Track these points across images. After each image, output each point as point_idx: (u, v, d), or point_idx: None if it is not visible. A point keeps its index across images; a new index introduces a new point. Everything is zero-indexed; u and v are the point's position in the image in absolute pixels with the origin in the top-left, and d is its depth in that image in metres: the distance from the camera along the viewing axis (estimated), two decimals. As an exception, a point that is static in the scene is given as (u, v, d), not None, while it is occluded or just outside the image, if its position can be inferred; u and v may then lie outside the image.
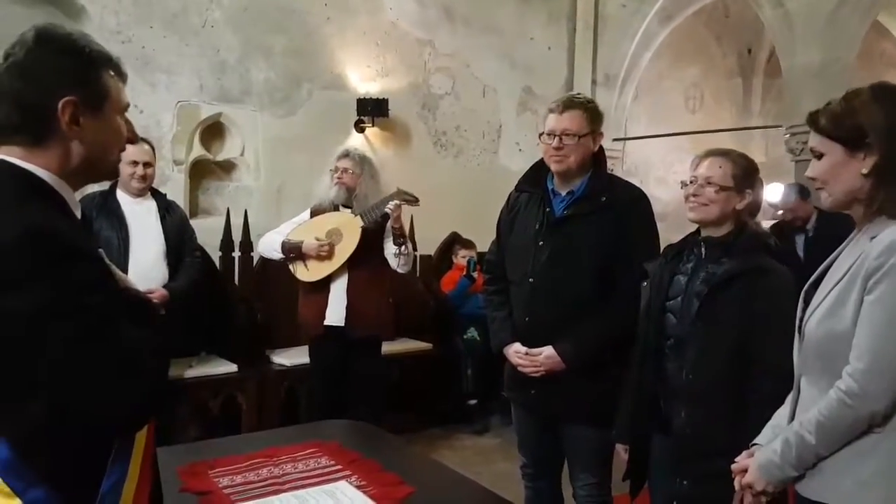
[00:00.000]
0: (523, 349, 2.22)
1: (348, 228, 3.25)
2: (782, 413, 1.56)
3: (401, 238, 3.22)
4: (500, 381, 4.53)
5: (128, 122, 1.15)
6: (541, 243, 2.19)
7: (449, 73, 5.44)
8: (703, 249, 1.95)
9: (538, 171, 2.30)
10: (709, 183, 1.88)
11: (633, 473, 2.07)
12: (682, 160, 7.32)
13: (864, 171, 1.32)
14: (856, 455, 1.31)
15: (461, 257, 4.89)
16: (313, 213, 3.40)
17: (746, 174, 1.92)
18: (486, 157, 5.67)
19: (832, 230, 4.25)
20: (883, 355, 1.26)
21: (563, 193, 2.22)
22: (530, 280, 2.19)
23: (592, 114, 2.19)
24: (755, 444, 1.57)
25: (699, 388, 1.85)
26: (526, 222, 2.26)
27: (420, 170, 5.14)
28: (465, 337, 4.63)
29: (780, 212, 4.48)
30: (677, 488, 1.90)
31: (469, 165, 5.56)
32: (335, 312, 3.24)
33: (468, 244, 4.96)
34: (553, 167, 2.20)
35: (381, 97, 4.89)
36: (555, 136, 2.15)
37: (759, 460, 1.45)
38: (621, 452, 2.12)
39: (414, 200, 3.29)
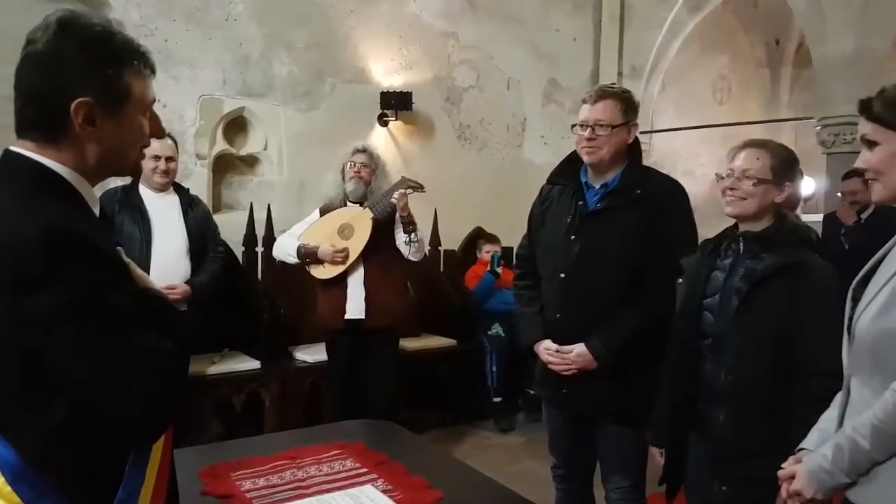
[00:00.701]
0: (554, 346, 2.16)
1: (359, 222, 3.26)
2: (829, 416, 1.49)
3: (410, 226, 3.22)
4: (525, 378, 4.57)
5: (154, 117, 1.09)
6: (573, 237, 2.13)
7: (472, 65, 5.36)
8: (741, 245, 1.87)
9: (571, 164, 2.23)
10: (746, 176, 1.81)
11: (668, 476, 2.00)
12: (710, 152, 7.19)
13: None
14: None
15: (485, 252, 4.81)
16: (323, 212, 3.41)
17: (786, 165, 1.84)
18: (510, 150, 5.58)
19: (886, 223, 4.12)
20: None
21: (597, 186, 2.16)
22: (562, 275, 2.13)
23: (627, 104, 2.12)
24: (802, 449, 1.49)
25: (739, 388, 1.78)
26: (558, 216, 2.20)
27: (444, 164, 5.09)
28: (489, 333, 4.57)
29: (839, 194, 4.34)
30: (715, 492, 1.83)
31: (493, 159, 5.48)
32: (355, 306, 3.25)
33: (493, 239, 4.88)
34: (586, 159, 2.13)
35: (404, 90, 4.83)
36: (587, 126, 2.09)
37: (808, 466, 1.38)
38: (656, 456, 2.05)
39: (419, 187, 3.27)
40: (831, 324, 1.77)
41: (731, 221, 1.92)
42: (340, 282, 3.26)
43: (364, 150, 3.40)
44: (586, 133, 2.08)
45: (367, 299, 3.23)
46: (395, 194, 3.17)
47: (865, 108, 1.33)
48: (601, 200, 2.12)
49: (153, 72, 1.07)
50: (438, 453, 2.20)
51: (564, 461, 2.34)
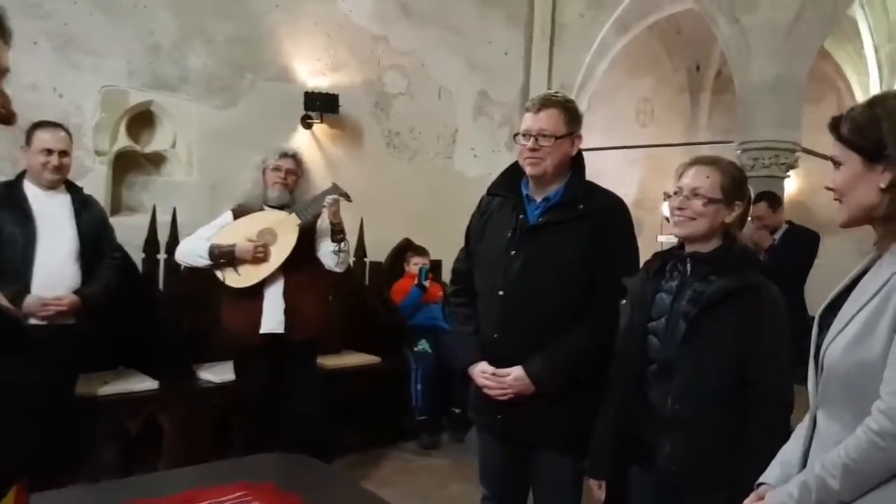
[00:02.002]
0: (490, 369, 2.00)
1: (283, 228, 3.01)
2: (791, 448, 1.38)
3: (339, 234, 3.02)
4: (451, 396, 4.38)
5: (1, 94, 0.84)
6: (513, 253, 1.98)
7: (404, 71, 5.17)
8: (688, 266, 1.76)
9: (512, 175, 2.10)
10: (696, 194, 1.71)
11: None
12: (632, 174, 7.26)
13: (882, 185, 1.19)
14: (878, 501, 1.14)
15: (413, 265, 4.61)
16: (237, 215, 3.13)
17: (736, 184, 1.76)
18: (440, 161, 5.42)
19: (799, 244, 4.19)
20: None
21: (539, 200, 2.03)
22: (500, 293, 1.98)
23: (571, 114, 2.00)
24: (762, 484, 1.38)
25: (686, 417, 1.66)
26: (498, 230, 2.05)
27: (372, 171, 4.86)
28: (415, 350, 4.35)
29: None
30: None
31: (423, 169, 5.29)
32: (272, 319, 2.97)
33: (421, 251, 4.69)
34: (528, 170, 1.99)
35: (331, 92, 4.58)
36: (530, 136, 1.96)
37: (771, 501, 1.27)
38: (595, 488, 1.90)
39: (347, 197, 3.08)
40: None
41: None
42: (255, 292, 2.98)
43: (292, 156, 3.17)
44: (529, 143, 1.96)
45: (287, 311, 2.97)
46: (328, 200, 2.96)
47: (834, 127, 1.28)
48: (543, 214, 2.00)
49: (6, 37, 0.84)
50: (360, 493, 1.95)
51: (496, 492, 2.18)
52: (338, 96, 4.58)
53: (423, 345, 4.35)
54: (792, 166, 5.01)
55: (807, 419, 1.41)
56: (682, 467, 1.66)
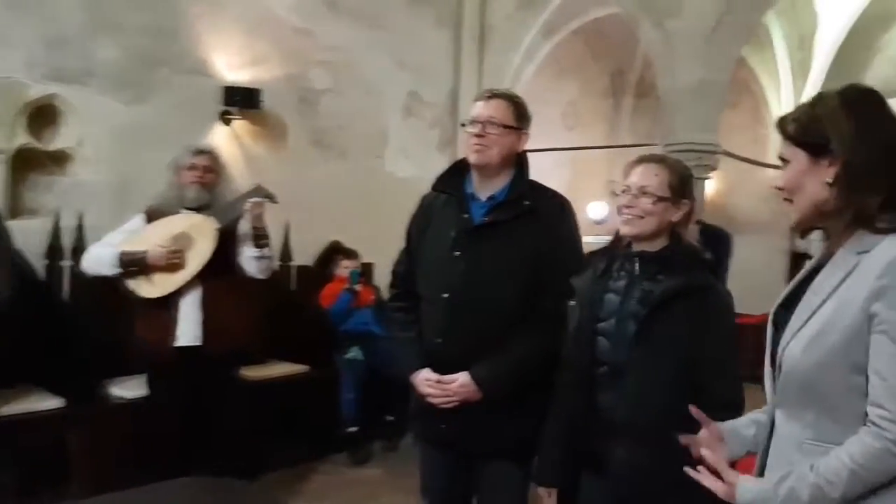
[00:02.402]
0: (434, 376, 1.90)
1: (200, 232, 2.81)
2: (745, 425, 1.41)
3: (263, 239, 2.84)
4: (384, 404, 4.24)
5: None
6: (457, 254, 1.90)
7: (330, 67, 4.99)
8: (636, 265, 1.72)
9: (457, 172, 2.02)
10: (644, 193, 1.68)
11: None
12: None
13: (828, 179, 1.20)
14: None
15: (343, 268, 4.45)
16: (150, 218, 2.91)
17: (683, 182, 1.74)
18: (370, 161, 5.26)
19: (714, 243, 4.29)
20: None
21: (484, 199, 1.95)
22: (445, 296, 1.90)
23: (520, 109, 1.97)
24: None
25: (640, 421, 1.62)
26: (441, 229, 1.97)
27: (297, 170, 4.66)
28: (346, 357, 4.19)
29: None
30: None
31: (352, 169, 5.12)
32: (188, 330, 2.77)
33: (351, 254, 4.54)
34: (473, 158, 1.92)
35: (252, 87, 4.35)
36: (478, 122, 1.90)
37: (744, 498, 1.22)
38: (544, 497, 1.83)
39: (273, 198, 2.90)
40: (734, 353, 1.71)
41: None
42: (170, 302, 2.76)
43: (207, 152, 2.98)
44: (476, 129, 1.89)
45: (205, 321, 2.77)
46: (249, 202, 2.78)
47: (781, 126, 1.29)
48: (488, 213, 1.92)
49: None
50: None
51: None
52: (260, 91, 4.37)
53: (354, 352, 4.20)
54: (713, 168, 5.14)
55: (760, 412, 1.41)
56: (635, 473, 1.61)
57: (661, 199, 1.67)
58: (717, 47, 4.85)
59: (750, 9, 4.80)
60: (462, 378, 1.86)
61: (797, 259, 6.18)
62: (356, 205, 4.93)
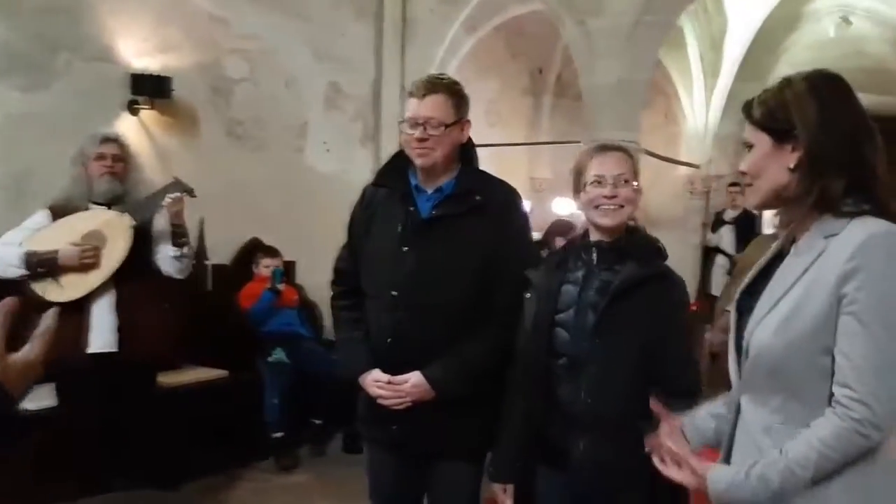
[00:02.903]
0: (384, 377, 1.81)
1: (114, 229, 2.62)
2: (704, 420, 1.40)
3: (182, 238, 2.69)
4: (311, 407, 4.07)
5: None
6: (405, 249, 1.81)
7: (246, 56, 4.75)
8: (594, 255, 1.69)
9: (399, 164, 1.92)
10: (624, 181, 1.65)
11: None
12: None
13: (791, 165, 1.21)
14: (829, 489, 1.13)
15: (264, 267, 4.24)
16: (56, 214, 2.68)
17: (638, 169, 1.74)
18: (290, 154, 5.05)
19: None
20: (889, 372, 1.11)
21: (430, 191, 1.86)
22: (393, 293, 1.81)
23: (458, 98, 1.86)
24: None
25: (602, 412, 1.59)
26: (386, 224, 1.87)
27: (211, 163, 4.40)
28: (269, 360, 3.99)
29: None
30: None
31: (271, 163, 4.90)
32: (102, 336, 2.58)
33: (272, 252, 4.34)
34: (418, 162, 1.83)
35: (162, 75, 4.08)
36: (417, 124, 1.79)
37: (717, 487, 1.20)
38: (500, 493, 1.78)
39: (192, 193, 2.75)
40: (687, 339, 1.74)
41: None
42: (81, 306, 2.55)
43: (115, 140, 2.78)
44: (417, 133, 1.78)
45: (120, 327, 2.58)
46: (169, 197, 2.60)
47: (747, 110, 1.29)
48: (436, 207, 1.83)
49: None
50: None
51: None
52: (171, 79, 4.10)
53: (278, 354, 4.01)
54: (635, 167, 5.27)
55: (718, 404, 1.41)
56: (596, 466, 1.59)
57: (636, 187, 1.67)
58: (636, 46, 4.96)
59: (668, 9, 4.94)
60: (414, 378, 1.78)
61: (708, 253, 6.44)
62: (276, 200, 4.74)
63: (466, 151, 1.90)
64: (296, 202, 4.89)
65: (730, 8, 6.61)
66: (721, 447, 1.34)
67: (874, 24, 6.68)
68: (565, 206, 6.76)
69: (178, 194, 2.64)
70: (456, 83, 1.89)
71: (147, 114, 4.15)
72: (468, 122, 1.89)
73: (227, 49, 4.63)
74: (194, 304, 3.92)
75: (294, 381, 3.99)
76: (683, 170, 7.14)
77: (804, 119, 1.19)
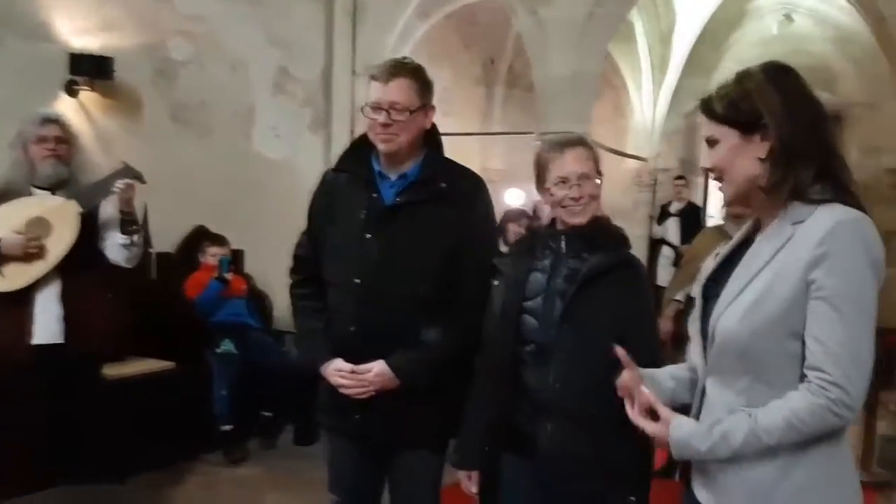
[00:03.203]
0: (347, 366, 1.77)
1: (59, 217, 2.50)
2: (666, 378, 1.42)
3: (133, 225, 2.57)
4: (260, 399, 3.99)
5: None
6: (368, 236, 1.77)
7: (191, 38, 4.60)
8: (562, 244, 1.70)
9: (361, 148, 1.87)
10: (587, 178, 1.66)
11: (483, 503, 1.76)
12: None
13: (761, 155, 1.22)
14: (786, 464, 1.17)
15: (211, 256, 4.12)
16: None
17: (598, 156, 1.75)
18: (237, 140, 4.92)
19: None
20: (860, 356, 1.14)
21: (393, 178, 1.82)
22: (356, 281, 1.77)
23: (423, 83, 1.82)
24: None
25: (570, 398, 1.60)
26: (348, 210, 1.83)
27: (155, 149, 4.24)
28: (217, 351, 3.88)
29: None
30: None
31: (217, 149, 4.76)
32: (47, 328, 2.46)
33: (220, 240, 4.22)
34: (382, 148, 1.78)
35: (103, 55, 3.91)
36: (381, 109, 1.74)
37: (676, 434, 1.23)
38: (464, 480, 1.78)
39: (141, 179, 2.64)
40: (654, 324, 1.78)
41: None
42: (23, 297, 2.42)
43: (55, 120, 2.63)
44: (381, 118, 1.74)
45: (66, 318, 2.47)
46: (120, 183, 2.48)
47: (706, 107, 1.29)
48: (400, 193, 1.80)
49: None
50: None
51: (349, 498, 1.97)
52: (112, 60, 3.94)
53: (226, 345, 3.90)
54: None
55: (679, 368, 1.45)
56: (564, 451, 1.60)
57: (598, 183, 1.67)
58: (588, 39, 5.01)
59: (619, 2, 5.00)
60: (378, 367, 1.75)
61: (654, 245, 6.58)
62: (222, 187, 4.61)
63: (431, 138, 1.87)
64: (243, 189, 4.77)
65: (679, 4, 6.74)
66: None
67: (816, 22, 6.93)
68: (518, 197, 6.81)
69: (129, 181, 2.52)
70: (420, 68, 1.85)
71: (87, 95, 3.98)
72: (433, 107, 1.86)
73: (171, 30, 4.47)
74: (138, 294, 3.77)
75: (243, 373, 3.89)
76: (631, 162, 7.28)
77: (770, 107, 1.20)
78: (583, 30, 4.96)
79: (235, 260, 4.31)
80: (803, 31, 6.91)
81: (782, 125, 1.19)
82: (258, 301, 4.53)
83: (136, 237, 2.58)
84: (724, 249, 1.38)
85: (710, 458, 1.20)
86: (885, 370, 3.87)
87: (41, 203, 2.50)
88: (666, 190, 7.00)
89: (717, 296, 1.28)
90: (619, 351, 1.35)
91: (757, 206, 1.29)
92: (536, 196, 5.07)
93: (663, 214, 6.64)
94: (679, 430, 1.22)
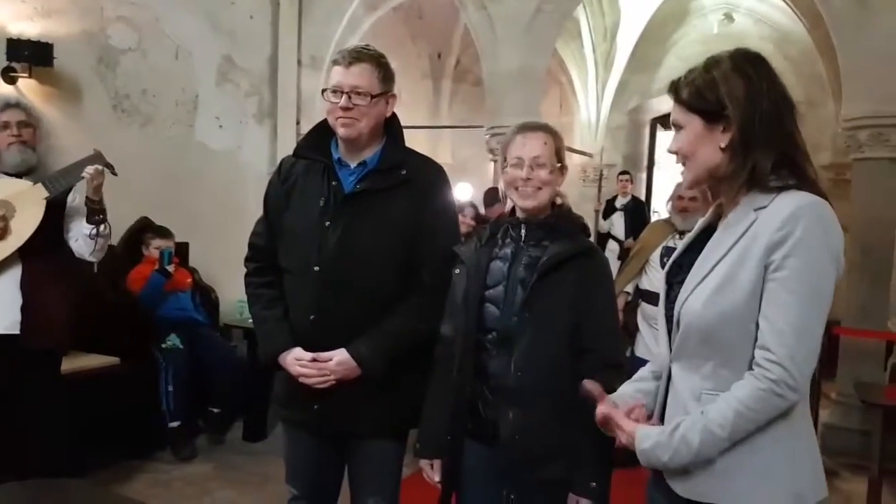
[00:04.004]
0: (307, 355, 1.76)
1: (24, 201, 2.41)
2: (628, 392, 1.43)
3: (100, 214, 2.49)
4: (208, 394, 3.91)
5: None
6: (328, 224, 1.76)
7: (133, 24, 4.46)
8: (522, 232, 1.71)
9: (321, 135, 1.86)
10: (539, 164, 1.66)
11: (448, 493, 1.75)
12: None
13: (722, 144, 1.23)
14: (749, 447, 1.18)
15: (154, 248, 4.01)
16: None
17: (562, 147, 1.75)
18: (180, 130, 4.80)
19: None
20: (807, 337, 1.15)
21: (353, 165, 1.82)
22: (316, 269, 1.76)
23: (385, 70, 1.83)
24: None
25: (531, 385, 1.61)
26: (306, 198, 1.82)
27: (95, 138, 3.98)
28: (163, 346, 3.80)
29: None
30: (502, 501, 1.64)
31: (160, 138, 4.64)
32: (5, 317, 2.38)
33: (163, 232, 4.11)
34: (342, 132, 1.78)
35: (42, 40, 3.76)
36: (342, 93, 1.74)
37: (643, 444, 1.25)
38: (427, 469, 1.78)
39: (112, 169, 2.58)
40: (615, 314, 1.79)
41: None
42: None
43: (16, 104, 2.55)
44: (342, 101, 1.74)
45: (24, 307, 2.37)
46: (90, 169, 2.41)
47: (674, 91, 1.30)
48: (360, 181, 1.80)
49: None
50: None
51: (308, 491, 1.95)
52: (52, 46, 3.79)
53: (172, 340, 3.82)
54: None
55: (647, 369, 1.46)
56: (525, 437, 1.60)
57: (552, 168, 1.67)
58: (535, 34, 5.08)
59: (565, -1, 5.07)
60: (339, 356, 1.74)
61: (601, 238, 6.71)
62: (165, 178, 4.52)
63: (391, 127, 1.87)
64: (187, 180, 4.67)
65: (623, 1, 6.88)
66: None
67: (754, 21, 7.14)
68: (466, 190, 6.86)
69: (99, 167, 2.44)
70: (383, 56, 1.85)
71: (25, 82, 3.83)
72: (394, 96, 1.86)
73: (113, 16, 4.34)
74: (80, 288, 3.64)
75: (190, 368, 3.82)
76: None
77: (734, 99, 1.21)
78: (530, 25, 5.03)
79: (180, 253, 4.21)
80: (742, 29, 7.06)
81: (743, 114, 1.21)
82: (204, 295, 4.44)
83: (102, 227, 2.50)
84: (687, 236, 1.41)
85: (677, 464, 1.21)
86: (828, 360, 4.07)
87: (7, 186, 2.41)
88: (610, 185, 7.15)
89: (681, 282, 1.30)
90: (590, 384, 1.37)
91: (716, 192, 1.31)
92: (484, 188, 5.07)
93: (608, 209, 6.76)
94: (643, 442, 1.24)
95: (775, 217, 1.16)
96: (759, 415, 1.16)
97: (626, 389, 1.44)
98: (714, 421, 1.17)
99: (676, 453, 1.20)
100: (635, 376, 1.47)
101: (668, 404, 1.31)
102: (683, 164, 1.30)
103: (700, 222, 1.39)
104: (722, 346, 1.21)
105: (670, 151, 1.33)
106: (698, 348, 1.24)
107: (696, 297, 1.23)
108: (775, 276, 1.15)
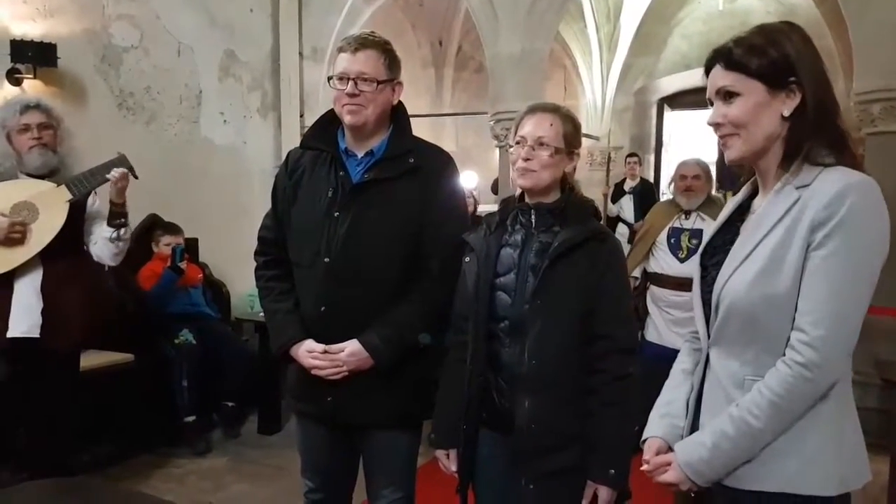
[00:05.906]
0: (319, 347, 1.75)
1: (47, 203, 2.40)
2: (670, 399, 1.35)
3: (121, 218, 2.49)
4: (222, 389, 3.94)
5: None
6: (336, 215, 1.75)
7: (134, 22, 4.45)
8: (532, 218, 1.69)
9: (327, 125, 1.85)
10: (541, 144, 1.64)
11: (465, 482, 1.74)
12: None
13: (786, 112, 1.17)
14: (797, 431, 1.14)
15: (164, 245, 4.02)
16: None
17: (577, 132, 1.73)
18: (185, 126, 4.80)
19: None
20: (844, 318, 1.11)
21: (360, 155, 1.80)
22: (325, 260, 1.75)
23: (391, 58, 1.81)
24: (646, 439, 1.34)
25: (545, 372, 1.59)
26: (315, 189, 1.80)
27: (101, 137, 4.08)
28: (176, 342, 3.81)
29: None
30: (519, 490, 1.62)
31: (165, 135, 4.64)
32: (25, 320, 2.38)
33: (173, 229, 4.12)
34: (348, 119, 1.76)
35: (46, 41, 3.76)
36: (348, 79, 1.73)
37: (683, 458, 1.21)
38: (443, 459, 1.77)
39: (134, 172, 2.57)
40: (629, 300, 1.77)
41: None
42: (2, 284, 2.34)
43: (37, 106, 2.51)
44: (348, 88, 1.72)
45: (45, 310, 2.38)
46: (115, 172, 2.41)
47: (723, 55, 1.20)
48: (368, 171, 1.78)
49: None
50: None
51: (323, 483, 1.95)
52: (56, 46, 3.79)
53: (185, 335, 3.83)
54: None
55: (678, 367, 1.40)
56: (541, 426, 1.59)
57: (558, 150, 1.64)
58: (537, 18, 5.03)
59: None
60: (351, 347, 1.73)
61: (610, 222, 6.61)
62: (171, 174, 4.51)
63: (398, 116, 1.85)
64: (193, 176, 4.68)
65: (626, -21, 6.77)
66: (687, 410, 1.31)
67: (759, -3, 6.99)
68: (470, 178, 6.83)
69: (124, 170, 2.44)
70: (388, 42, 1.83)
71: (31, 84, 3.83)
72: (400, 83, 1.84)
73: (113, 15, 4.32)
74: (91, 286, 3.66)
75: (203, 363, 3.84)
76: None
77: (808, 68, 1.15)
78: (532, 8, 4.99)
79: (190, 249, 4.22)
80: (748, 4, 6.84)
81: (815, 84, 1.14)
82: (215, 290, 4.46)
83: (123, 231, 2.50)
84: (720, 217, 1.36)
85: (722, 459, 1.16)
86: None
87: (31, 187, 2.41)
88: (618, 168, 7.09)
89: (716, 265, 1.25)
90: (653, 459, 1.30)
91: (763, 166, 1.22)
92: (489, 176, 5.01)
93: (617, 193, 6.70)
94: (683, 454, 1.21)
95: (821, 196, 1.11)
96: (793, 403, 1.12)
97: (678, 412, 1.33)
98: (748, 410, 1.14)
99: (717, 451, 1.16)
100: (664, 399, 1.38)
101: (706, 391, 1.26)
102: (733, 135, 1.20)
103: (732, 200, 1.35)
104: (765, 330, 1.16)
105: (712, 123, 1.23)
106: (740, 333, 1.19)
107: (737, 280, 1.18)
108: (816, 255, 1.10)
